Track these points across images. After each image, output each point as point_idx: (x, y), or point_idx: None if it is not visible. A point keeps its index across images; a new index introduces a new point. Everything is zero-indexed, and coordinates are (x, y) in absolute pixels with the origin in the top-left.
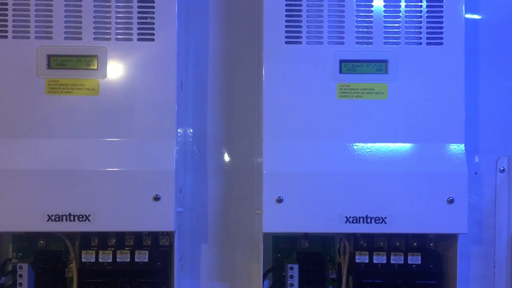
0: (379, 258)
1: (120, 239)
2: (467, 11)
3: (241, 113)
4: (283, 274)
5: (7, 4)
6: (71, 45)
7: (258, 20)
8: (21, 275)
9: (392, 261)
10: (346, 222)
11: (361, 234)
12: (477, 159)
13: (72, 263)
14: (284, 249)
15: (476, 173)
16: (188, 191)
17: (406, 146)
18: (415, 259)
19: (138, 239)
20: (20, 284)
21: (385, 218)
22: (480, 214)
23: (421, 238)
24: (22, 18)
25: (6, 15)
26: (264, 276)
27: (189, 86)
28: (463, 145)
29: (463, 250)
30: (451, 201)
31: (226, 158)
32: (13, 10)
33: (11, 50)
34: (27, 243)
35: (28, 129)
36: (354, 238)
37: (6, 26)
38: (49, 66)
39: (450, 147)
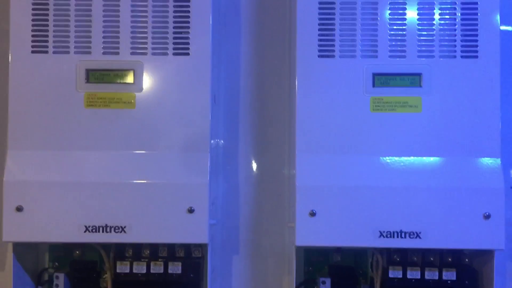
0: (413, 273)
1: (154, 251)
2: (502, 23)
3: (272, 124)
4: (315, 287)
5: (48, 20)
6: (109, 59)
7: (291, 33)
8: (57, 285)
9: (426, 277)
10: (380, 237)
11: (394, 249)
12: None
13: (106, 274)
14: (316, 262)
15: None
16: (220, 203)
17: (441, 160)
18: (450, 275)
19: (171, 251)
20: None
21: (420, 233)
22: None
23: (456, 253)
24: (62, 34)
25: (47, 30)
26: None
27: (221, 97)
28: (500, 159)
29: (500, 266)
30: (487, 217)
31: (257, 169)
32: (54, 26)
33: (52, 65)
34: (63, 253)
35: (67, 142)
36: (387, 253)
37: (47, 41)
38: (87, 80)
39: (486, 161)
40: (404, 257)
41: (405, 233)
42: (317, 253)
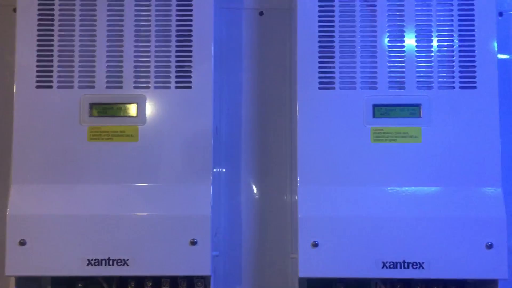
0: None
1: (157, 283)
2: (499, 52)
3: (273, 154)
4: None
5: (52, 55)
6: (112, 93)
7: (291, 65)
8: None
9: None
10: (383, 267)
11: (398, 279)
12: None
13: None
14: None
15: None
16: (222, 233)
17: (442, 190)
18: None
19: (174, 283)
20: None
21: (423, 263)
22: None
23: (460, 283)
24: (66, 68)
25: (52, 66)
26: None
27: (223, 129)
28: (501, 188)
29: None
30: (490, 246)
31: (259, 198)
32: (58, 61)
33: (56, 100)
34: (66, 286)
35: (70, 175)
36: (390, 283)
37: (52, 76)
38: (91, 114)
39: (488, 191)
40: (407, 286)
41: (408, 263)
42: (320, 283)
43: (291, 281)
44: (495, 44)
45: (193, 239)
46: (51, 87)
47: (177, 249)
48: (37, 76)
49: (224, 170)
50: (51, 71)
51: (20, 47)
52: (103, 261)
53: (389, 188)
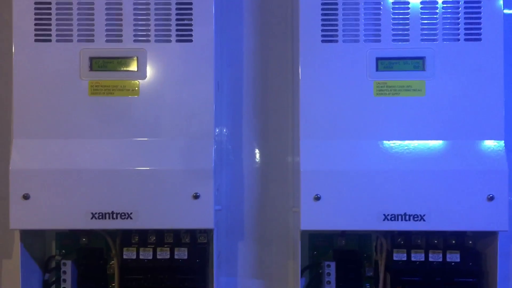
0: (417, 256)
1: (160, 237)
2: (505, 7)
3: (275, 112)
4: (320, 271)
5: (50, 9)
6: (112, 47)
7: (294, 19)
8: (64, 272)
9: (430, 259)
10: (384, 220)
11: (398, 232)
12: None
13: (113, 260)
14: (320, 246)
15: None
16: (224, 190)
17: (444, 143)
18: (454, 257)
19: (177, 237)
20: (64, 280)
21: (424, 215)
22: None
23: (460, 236)
24: (65, 22)
25: (50, 19)
26: (301, 273)
27: (224, 86)
28: (503, 141)
29: (503, 248)
30: (491, 199)
31: (261, 156)
32: (56, 14)
33: (55, 54)
34: (70, 241)
35: (71, 130)
36: (391, 236)
37: (50, 30)
38: (91, 68)
39: (490, 144)
40: (408, 240)
41: (409, 216)
42: (321, 237)
43: (293, 234)
44: None
45: (196, 193)
46: (50, 40)
47: (180, 203)
48: (36, 30)
49: (225, 129)
50: (50, 25)
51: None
52: (107, 215)
53: (391, 142)
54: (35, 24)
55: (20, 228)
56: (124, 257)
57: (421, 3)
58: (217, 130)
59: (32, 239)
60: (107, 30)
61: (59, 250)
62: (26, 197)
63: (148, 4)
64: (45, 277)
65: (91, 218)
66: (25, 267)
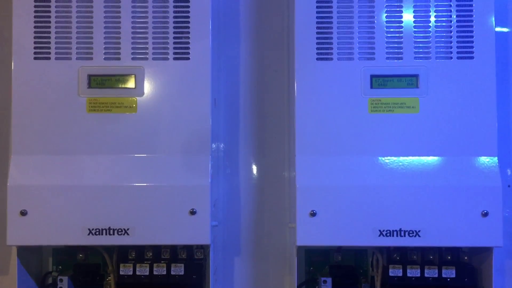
0: (413, 272)
1: (157, 253)
2: (497, 25)
3: (272, 127)
4: (316, 287)
5: (50, 27)
6: (111, 65)
7: (289, 37)
8: None
9: (426, 275)
10: (379, 236)
11: (394, 248)
12: (509, 172)
13: (110, 276)
14: (316, 262)
15: (509, 186)
16: (221, 205)
17: (439, 159)
18: (449, 273)
19: (173, 253)
20: None
21: (419, 231)
22: None
23: (455, 251)
24: (64, 40)
25: (49, 37)
26: None
27: (221, 102)
28: (496, 158)
29: (498, 263)
30: (485, 214)
31: (258, 172)
32: (56, 33)
33: (54, 71)
34: (67, 257)
35: (69, 146)
36: (387, 252)
37: (49, 48)
38: (89, 86)
39: (484, 160)
40: (404, 255)
41: (405, 231)
42: (317, 253)
43: (289, 250)
44: (493, 15)
45: (193, 208)
46: (49, 58)
47: (177, 218)
48: (35, 48)
49: (223, 144)
50: (49, 43)
51: (17, 17)
52: (104, 231)
53: (386, 158)
54: (35, 42)
55: (17, 244)
56: (121, 273)
57: (414, 21)
58: (214, 146)
59: (29, 255)
60: (105, 48)
61: (56, 266)
62: (23, 213)
63: (146, 22)
64: None
65: (88, 234)
66: (22, 283)
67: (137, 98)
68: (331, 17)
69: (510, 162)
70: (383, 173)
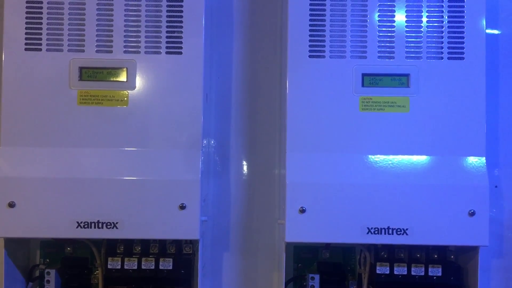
0: (400, 270)
1: (145, 247)
2: (487, 27)
3: (263, 124)
4: (304, 284)
5: (41, 18)
6: (102, 58)
7: (282, 34)
8: (48, 281)
9: (412, 273)
10: (368, 233)
11: (382, 245)
12: (497, 172)
13: (98, 270)
14: (305, 259)
15: (496, 186)
16: (210, 201)
17: (427, 158)
18: (436, 271)
19: (162, 247)
20: None
21: (407, 229)
22: (501, 228)
23: (442, 250)
24: (55, 32)
25: (41, 28)
26: (286, 285)
27: (212, 97)
28: (484, 158)
29: (484, 263)
30: (472, 214)
31: (248, 168)
32: (47, 24)
33: (45, 63)
34: (55, 250)
35: (59, 139)
36: (374, 249)
37: (41, 39)
38: (80, 78)
39: (472, 160)
40: (391, 253)
41: (393, 229)
42: (306, 250)
43: (278, 246)
44: (484, 17)
45: (182, 203)
46: (40, 49)
47: (166, 213)
48: (26, 39)
49: (213, 141)
50: (40, 33)
51: (8, 8)
52: (93, 224)
53: (376, 156)
54: (26, 33)
55: (4, 236)
56: (109, 266)
57: (406, 22)
58: (205, 142)
59: (16, 247)
60: (97, 40)
61: (43, 259)
62: (11, 205)
63: (138, 16)
64: (29, 286)
65: (77, 227)
66: (9, 275)
67: (128, 91)
68: (324, 15)
69: (498, 163)
70: (372, 171)
